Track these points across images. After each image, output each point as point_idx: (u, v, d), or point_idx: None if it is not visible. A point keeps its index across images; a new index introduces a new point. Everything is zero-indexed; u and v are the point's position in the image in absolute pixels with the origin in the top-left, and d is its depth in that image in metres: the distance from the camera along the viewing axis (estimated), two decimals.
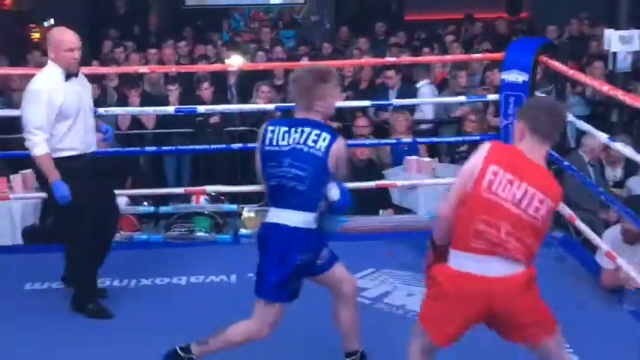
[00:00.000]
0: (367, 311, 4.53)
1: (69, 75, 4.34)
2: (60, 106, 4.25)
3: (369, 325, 4.30)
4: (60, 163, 4.30)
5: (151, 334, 4.21)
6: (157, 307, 4.61)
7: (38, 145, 4.23)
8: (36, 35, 12.96)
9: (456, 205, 3.03)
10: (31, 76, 7.18)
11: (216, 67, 7.64)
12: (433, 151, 7.41)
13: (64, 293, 4.77)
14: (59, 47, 4.30)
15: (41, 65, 8.02)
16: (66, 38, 4.34)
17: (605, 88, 4.76)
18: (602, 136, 4.85)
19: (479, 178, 2.93)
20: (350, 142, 6.62)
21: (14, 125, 7.18)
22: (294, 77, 3.51)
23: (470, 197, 2.97)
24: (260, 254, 3.50)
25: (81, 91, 4.44)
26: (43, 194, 6.02)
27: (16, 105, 6.94)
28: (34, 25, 13.23)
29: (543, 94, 5.61)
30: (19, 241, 6.02)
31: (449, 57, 8.47)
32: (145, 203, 6.06)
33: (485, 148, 2.98)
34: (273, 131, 3.44)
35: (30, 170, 6.22)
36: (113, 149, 6.43)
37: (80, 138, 4.40)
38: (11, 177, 6.16)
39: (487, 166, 2.92)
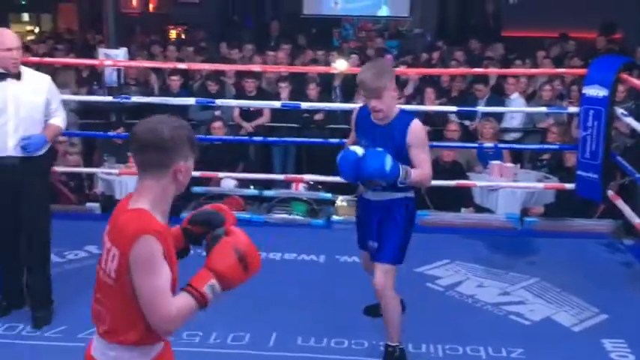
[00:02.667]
0: (439, 298, 4.54)
1: (4, 75, 3.91)
2: None
3: (440, 311, 4.33)
4: None
5: (243, 298, 4.35)
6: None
7: None
8: (172, 34, 13.50)
9: None
10: (155, 70, 7.39)
11: (320, 69, 7.74)
12: (519, 158, 7.27)
13: None
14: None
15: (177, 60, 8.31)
16: (5, 39, 3.91)
17: None
18: None
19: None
20: (436, 144, 6.63)
21: (144, 111, 7.57)
22: None
23: None
24: None
25: (15, 93, 3.92)
26: None
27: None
28: (171, 26, 13.81)
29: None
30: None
31: (534, 70, 8.26)
32: (252, 187, 6.23)
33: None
34: None
35: None
36: (226, 137, 6.66)
37: None
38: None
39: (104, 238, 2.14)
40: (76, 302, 4.29)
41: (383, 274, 3.55)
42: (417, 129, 3.43)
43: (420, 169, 3.42)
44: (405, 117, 3.48)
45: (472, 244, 5.37)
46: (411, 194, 3.60)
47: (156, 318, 2.04)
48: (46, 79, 4.11)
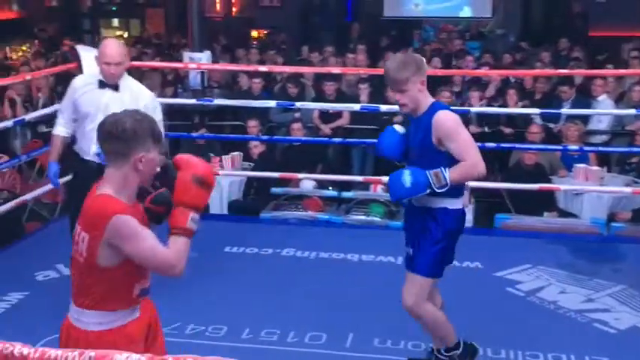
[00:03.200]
0: (520, 303, 4.44)
1: (103, 84, 4.11)
2: (73, 103, 4.14)
3: (520, 317, 4.23)
4: (74, 154, 4.26)
5: (321, 299, 4.38)
6: (331, 276, 4.78)
7: (55, 126, 4.29)
8: (254, 36, 13.73)
9: None
10: (245, 72, 7.55)
11: None
12: (605, 161, 7.04)
13: (257, 257, 5.08)
14: (100, 58, 4.09)
15: (259, 63, 8.45)
16: (105, 52, 4.07)
17: None
18: None
19: None
20: (519, 146, 6.51)
21: (226, 113, 7.72)
22: None
23: None
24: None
25: (107, 103, 4.04)
26: (249, 173, 6.45)
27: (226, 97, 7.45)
28: (254, 29, 14.05)
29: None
30: (225, 211, 6.40)
31: (622, 71, 7.98)
32: (330, 188, 6.26)
33: None
34: None
35: (238, 152, 6.67)
36: (306, 138, 6.71)
37: (80, 139, 4.18)
38: (223, 157, 6.55)
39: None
40: (182, 298, 4.42)
41: (410, 287, 3.35)
42: (440, 121, 3.09)
43: (460, 164, 3.09)
44: (432, 111, 3.14)
45: (555, 249, 5.23)
46: (453, 205, 3.24)
47: (162, 269, 2.28)
48: (146, 95, 4.19)
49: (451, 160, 3.13)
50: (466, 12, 13.44)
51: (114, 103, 4.01)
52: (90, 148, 4.09)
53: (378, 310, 4.24)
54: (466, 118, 7.18)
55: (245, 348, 3.81)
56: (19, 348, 1.49)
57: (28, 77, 7.18)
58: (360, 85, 7.55)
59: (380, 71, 7.82)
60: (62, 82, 8.28)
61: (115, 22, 15.19)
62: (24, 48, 12.61)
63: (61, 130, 4.23)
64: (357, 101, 7.25)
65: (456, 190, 3.20)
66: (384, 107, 6.15)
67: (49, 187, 5.91)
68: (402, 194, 3.18)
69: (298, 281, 4.69)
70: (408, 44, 11.69)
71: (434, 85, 7.68)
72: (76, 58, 5.89)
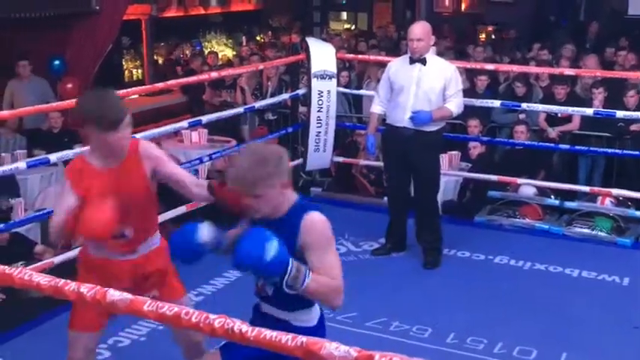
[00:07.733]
0: None
1: (413, 60, 4.77)
2: (388, 82, 4.87)
3: None
4: (388, 126, 4.93)
5: (534, 312, 4.23)
6: (546, 289, 4.59)
7: (373, 105, 5.07)
8: (481, 35, 13.47)
9: None
10: (470, 70, 7.50)
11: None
12: None
13: (469, 261, 5.03)
14: (407, 36, 4.86)
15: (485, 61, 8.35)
16: (411, 30, 4.79)
17: None
18: None
19: None
20: None
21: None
22: None
23: None
24: None
25: (418, 76, 4.74)
26: (465, 174, 6.36)
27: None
28: (481, 26, 13.80)
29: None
30: (439, 211, 6.35)
31: None
32: (552, 196, 5.99)
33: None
34: None
35: (456, 151, 6.60)
36: (529, 142, 6.46)
37: (393, 111, 4.84)
38: (440, 155, 6.48)
39: None
40: (367, 291, 4.52)
41: None
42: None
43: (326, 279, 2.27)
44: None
45: None
46: (312, 323, 2.43)
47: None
48: (449, 68, 4.84)
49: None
50: None
51: (423, 75, 4.76)
52: (404, 116, 4.76)
53: (595, 332, 4.02)
54: None
55: (449, 353, 3.80)
56: (238, 325, 1.60)
57: (261, 67, 7.63)
58: (594, 89, 7.12)
59: (617, 74, 7.38)
60: (290, 72, 8.72)
61: (344, 15, 15.66)
62: (258, 38, 13.47)
63: (378, 108, 5.00)
64: (590, 106, 6.86)
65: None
66: (620, 113, 5.77)
67: None
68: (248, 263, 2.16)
69: (510, 291, 4.56)
70: None
71: None
72: (306, 49, 6.17)
